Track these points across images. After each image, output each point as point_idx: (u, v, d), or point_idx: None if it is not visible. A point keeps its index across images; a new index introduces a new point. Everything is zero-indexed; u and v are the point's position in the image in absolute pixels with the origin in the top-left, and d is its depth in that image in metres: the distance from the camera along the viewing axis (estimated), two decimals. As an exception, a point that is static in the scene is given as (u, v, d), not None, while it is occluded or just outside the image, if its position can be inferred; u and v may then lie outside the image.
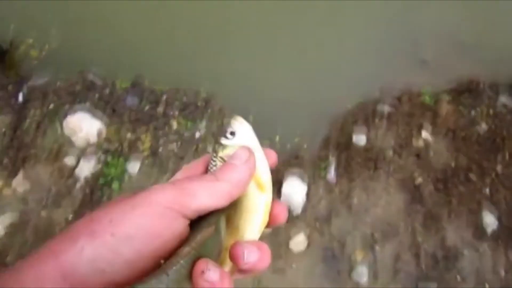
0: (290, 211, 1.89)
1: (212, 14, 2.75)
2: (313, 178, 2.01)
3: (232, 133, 0.37)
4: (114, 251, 0.29)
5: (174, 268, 0.28)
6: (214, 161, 0.36)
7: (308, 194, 1.94)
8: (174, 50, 2.51)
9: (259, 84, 2.41)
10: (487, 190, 1.93)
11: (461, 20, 2.58)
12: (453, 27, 2.64)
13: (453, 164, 2.00)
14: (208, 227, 0.32)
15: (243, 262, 0.31)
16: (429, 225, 1.87)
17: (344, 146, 2.14)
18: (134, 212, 0.30)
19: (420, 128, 2.08)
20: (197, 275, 0.29)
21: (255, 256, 0.32)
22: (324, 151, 2.16)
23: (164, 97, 2.17)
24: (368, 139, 2.05)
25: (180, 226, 0.31)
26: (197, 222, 0.32)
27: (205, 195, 0.32)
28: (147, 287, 0.27)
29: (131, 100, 2.09)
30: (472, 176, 1.95)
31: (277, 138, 2.30)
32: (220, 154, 0.37)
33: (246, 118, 0.38)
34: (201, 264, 0.29)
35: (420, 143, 2.04)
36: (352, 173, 2.00)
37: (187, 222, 0.32)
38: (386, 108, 2.15)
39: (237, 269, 0.33)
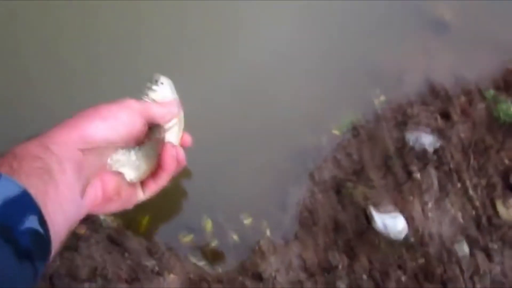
0: None
1: None
2: None
3: (162, 83, 0.60)
4: (116, 129, 0.49)
5: (152, 141, 0.55)
6: (145, 99, 0.59)
7: None
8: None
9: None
10: None
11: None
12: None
13: None
14: (161, 130, 0.57)
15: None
16: None
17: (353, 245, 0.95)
18: (123, 110, 0.50)
19: None
20: (167, 148, 0.55)
21: (181, 152, 0.58)
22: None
23: None
24: (411, 227, 0.88)
25: (143, 125, 0.53)
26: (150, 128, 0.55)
27: (158, 112, 0.56)
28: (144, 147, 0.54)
29: None
30: None
31: (209, 223, 1.07)
32: (152, 96, 0.59)
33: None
34: (170, 144, 0.56)
35: (509, 215, 0.90)
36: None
37: (146, 124, 0.53)
38: (427, 140, 0.97)
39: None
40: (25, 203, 0.34)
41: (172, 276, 0.90)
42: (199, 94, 1.14)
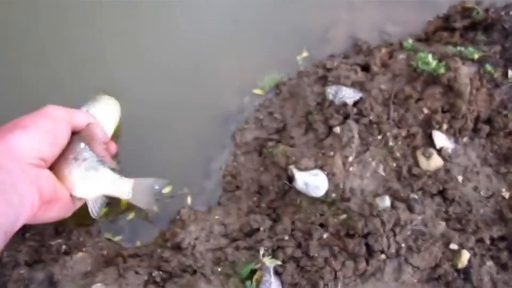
0: None
1: None
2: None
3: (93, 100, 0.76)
4: (39, 137, 0.51)
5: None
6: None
7: None
8: None
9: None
10: None
11: None
12: None
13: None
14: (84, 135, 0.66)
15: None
16: None
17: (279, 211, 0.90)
18: (45, 118, 0.54)
19: (428, 122, 0.90)
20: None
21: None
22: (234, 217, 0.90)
23: None
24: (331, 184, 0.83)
25: (68, 132, 0.58)
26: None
27: (81, 119, 0.62)
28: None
29: None
30: None
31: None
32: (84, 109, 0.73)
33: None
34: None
35: (435, 164, 0.88)
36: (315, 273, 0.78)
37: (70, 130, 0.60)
38: (347, 93, 0.92)
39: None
40: None
41: (81, 254, 0.81)
42: (123, 67, 1.05)
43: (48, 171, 0.61)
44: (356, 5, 1.26)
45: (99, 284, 0.74)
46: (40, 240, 0.81)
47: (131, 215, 0.91)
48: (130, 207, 0.90)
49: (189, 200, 0.94)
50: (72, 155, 0.67)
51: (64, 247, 0.81)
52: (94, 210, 0.71)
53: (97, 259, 0.82)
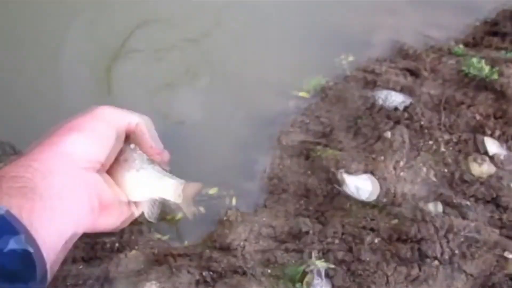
0: None
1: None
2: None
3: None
4: (94, 141, 0.48)
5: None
6: None
7: None
8: None
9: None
10: None
11: None
12: None
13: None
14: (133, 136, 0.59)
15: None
16: None
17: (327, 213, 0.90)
18: (100, 122, 0.50)
19: (477, 129, 0.89)
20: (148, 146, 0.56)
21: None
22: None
23: None
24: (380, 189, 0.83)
25: (123, 134, 0.53)
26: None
27: (135, 122, 0.56)
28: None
29: None
30: None
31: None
32: None
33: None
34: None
35: (487, 170, 0.86)
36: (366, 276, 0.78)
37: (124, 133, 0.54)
38: (397, 98, 0.91)
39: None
40: (8, 225, 0.33)
41: (134, 252, 0.83)
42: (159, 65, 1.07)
43: (106, 175, 0.60)
44: (399, 10, 1.26)
45: (153, 282, 0.76)
46: (95, 237, 0.83)
47: (178, 216, 0.92)
48: (177, 208, 0.91)
49: (234, 201, 0.95)
50: (123, 157, 0.66)
51: (117, 244, 0.83)
52: (150, 213, 0.71)
53: (149, 257, 0.84)
